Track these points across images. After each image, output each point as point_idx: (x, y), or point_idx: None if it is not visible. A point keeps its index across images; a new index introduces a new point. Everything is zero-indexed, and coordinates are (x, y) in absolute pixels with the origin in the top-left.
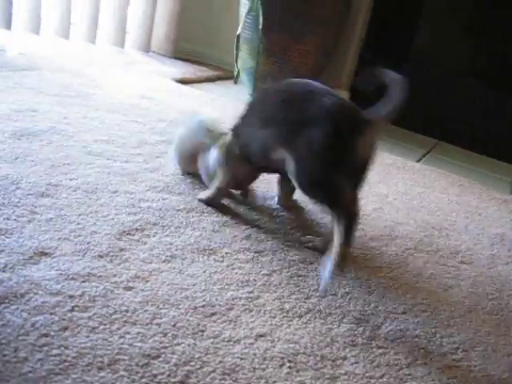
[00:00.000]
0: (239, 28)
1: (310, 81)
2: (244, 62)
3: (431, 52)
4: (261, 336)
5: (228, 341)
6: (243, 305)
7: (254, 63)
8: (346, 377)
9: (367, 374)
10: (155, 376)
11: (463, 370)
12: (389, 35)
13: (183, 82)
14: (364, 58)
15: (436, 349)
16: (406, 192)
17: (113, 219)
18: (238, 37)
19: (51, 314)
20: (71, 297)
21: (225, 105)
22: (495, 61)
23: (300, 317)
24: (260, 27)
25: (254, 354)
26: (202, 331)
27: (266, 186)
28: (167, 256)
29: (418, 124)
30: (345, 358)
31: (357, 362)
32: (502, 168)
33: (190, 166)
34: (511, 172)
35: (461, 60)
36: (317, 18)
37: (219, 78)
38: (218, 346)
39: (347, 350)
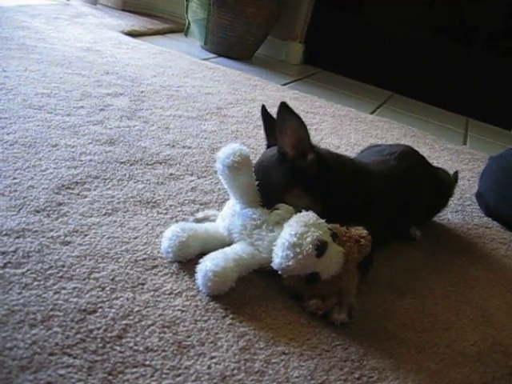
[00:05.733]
0: None
1: None
2: (194, 13)
3: (384, 4)
4: None
5: (169, 293)
6: None
7: (205, 14)
8: (289, 326)
9: (312, 324)
10: (91, 331)
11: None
12: None
13: (132, 34)
14: (318, 9)
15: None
16: (357, 143)
17: (51, 173)
18: None
19: None
20: (4, 253)
21: (175, 58)
22: (449, 13)
23: None
24: None
25: (196, 306)
26: (142, 284)
27: None
28: (108, 209)
29: (373, 76)
30: (290, 308)
31: (300, 312)
32: (455, 120)
33: None
34: (464, 123)
35: (414, 12)
36: None
37: (170, 31)
38: (158, 298)
39: (293, 300)
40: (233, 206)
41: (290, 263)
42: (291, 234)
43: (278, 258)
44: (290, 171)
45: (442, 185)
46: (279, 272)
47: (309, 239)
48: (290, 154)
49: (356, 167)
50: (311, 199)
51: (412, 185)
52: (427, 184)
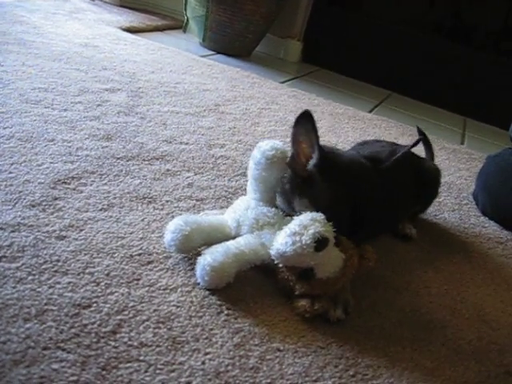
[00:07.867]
0: None
1: None
2: (193, 10)
3: (384, 3)
4: (198, 284)
5: (164, 289)
6: None
7: (204, 11)
8: (285, 323)
9: (307, 320)
10: (85, 326)
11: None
12: None
13: (130, 30)
14: (317, 7)
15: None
16: (355, 141)
17: (48, 168)
18: None
19: None
20: None
21: (173, 54)
22: (449, 11)
23: None
24: None
25: (191, 302)
26: (138, 280)
27: None
28: (104, 205)
29: (372, 75)
30: (285, 304)
31: (292, 310)
32: (453, 119)
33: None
34: (462, 123)
35: (413, 10)
36: None
37: (169, 28)
38: (153, 294)
39: (288, 297)
40: (247, 200)
41: (287, 250)
42: (295, 224)
43: (277, 244)
44: None
45: (428, 175)
46: (275, 261)
47: (311, 231)
48: None
49: None
50: None
51: (398, 177)
52: (413, 175)
